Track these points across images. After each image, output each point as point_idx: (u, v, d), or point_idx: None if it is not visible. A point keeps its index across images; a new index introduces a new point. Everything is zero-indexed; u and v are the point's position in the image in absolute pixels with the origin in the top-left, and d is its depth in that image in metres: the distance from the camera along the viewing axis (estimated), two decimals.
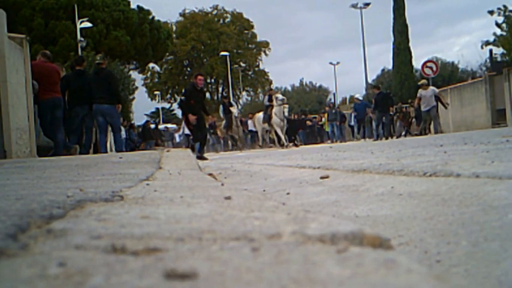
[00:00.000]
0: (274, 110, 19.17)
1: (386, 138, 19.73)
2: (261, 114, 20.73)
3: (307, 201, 2.00)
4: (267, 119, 19.68)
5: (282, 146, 19.94)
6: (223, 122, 22.27)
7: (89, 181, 2.31)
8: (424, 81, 19.12)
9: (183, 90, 12.72)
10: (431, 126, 18.69)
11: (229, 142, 23.71)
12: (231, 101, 22.87)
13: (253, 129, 25.01)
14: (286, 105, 21.59)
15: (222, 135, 23.72)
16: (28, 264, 0.63)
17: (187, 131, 24.08)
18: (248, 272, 0.60)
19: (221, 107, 21.44)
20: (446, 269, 0.94)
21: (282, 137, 19.14)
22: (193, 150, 11.98)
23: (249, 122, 25.66)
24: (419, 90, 18.09)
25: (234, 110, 20.61)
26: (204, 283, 0.57)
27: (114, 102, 9.83)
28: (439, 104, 18.13)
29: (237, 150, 21.18)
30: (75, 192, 1.54)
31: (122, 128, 21.74)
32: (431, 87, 18.51)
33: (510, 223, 1.14)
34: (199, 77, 12.41)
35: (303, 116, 28.95)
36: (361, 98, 23.72)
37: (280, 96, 19.60)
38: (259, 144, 22.56)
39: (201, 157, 11.69)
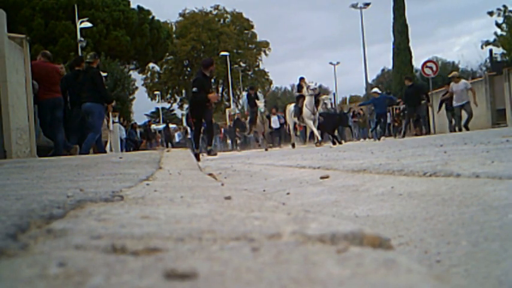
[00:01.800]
0: (305, 101, 16.38)
1: (421, 133, 17.82)
2: (292, 106, 17.97)
3: (307, 201, 2.00)
4: (298, 112, 16.89)
5: (316, 143, 17.23)
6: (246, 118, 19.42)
7: (89, 181, 2.31)
8: (455, 73, 17.98)
9: (192, 81, 11.56)
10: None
11: (255, 139, 20.35)
12: (258, 93, 19.40)
13: (275, 126, 23.38)
14: (325, 96, 19.01)
15: (247, 132, 20.68)
16: (28, 264, 0.63)
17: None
18: (248, 272, 0.60)
19: (245, 99, 19.14)
20: (446, 269, 0.94)
21: (315, 130, 16.36)
22: (197, 148, 11.60)
23: (272, 118, 23.20)
24: (451, 84, 16.80)
25: (261, 103, 17.82)
26: (204, 283, 0.57)
27: (98, 101, 9.75)
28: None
29: (263, 149, 18.36)
30: (75, 192, 1.54)
31: (122, 128, 21.76)
32: (463, 81, 17.03)
33: (510, 223, 1.14)
34: (213, 67, 11.46)
35: (343, 110, 25.62)
36: (379, 92, 21.50)
37: (312, 84, 16.48)
38: (259, 144, 20.01)
39: (210, 152, 11.15)
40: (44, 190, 1.77)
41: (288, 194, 2.29)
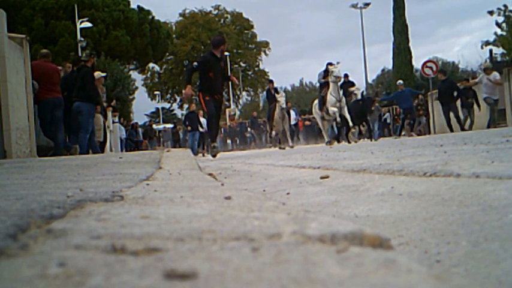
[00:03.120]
0: (330, 89, 14.28)
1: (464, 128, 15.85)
2: (316, 101, 15.85)
3: (307, 201, 2.00)
4: (321, 101, 14.72)
5: (336, 140, 15.32)
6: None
7: (89, 181, 2.31)
8: (488, 64, 16.98)
9: (202, 61, 9.49)
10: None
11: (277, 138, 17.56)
12: (278, 87, 16.90)
13: (292, 122, 21.16)
14: (355, 87, 16.42)
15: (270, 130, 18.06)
16: (28, 264, 0.63)
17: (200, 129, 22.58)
18: (248, 272, 0.60)
19: (264, 93, 17.20)
20: (446, 269, 0.94)
21: (338, 117, 14.13)
22: (202, 147, 10.80)
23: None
24: (482, 75, 15.68)
25: (282, 98, 15.68)
26: (204, 283, 0.57)
27: (87, 100, 9.72)
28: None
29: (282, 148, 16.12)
30: (75, 192, 1.54)
31: (122, 128, 21.76)
32: (495, 73, 15.68)
33: (510, 223, 1.14)
34: (224, 46, 9.56)
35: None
36: (401, 82, 19.27)
37: (336, 70, 14.26)
38: (268, 141, 17.94)
39: (214, 148, 9.88)
40: (44, 190, 1.77)
41: (288, 194, 2.29)
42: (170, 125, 36.46)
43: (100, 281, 0.56)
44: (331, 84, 14.40)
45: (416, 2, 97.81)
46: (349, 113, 14.56)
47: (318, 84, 15.64)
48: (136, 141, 24.70)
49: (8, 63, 7.77)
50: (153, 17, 38.19)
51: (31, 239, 0.80)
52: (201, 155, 19.04)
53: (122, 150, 19.34)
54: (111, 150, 16.18)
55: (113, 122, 18.29)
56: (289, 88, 60.22)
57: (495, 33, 34.33)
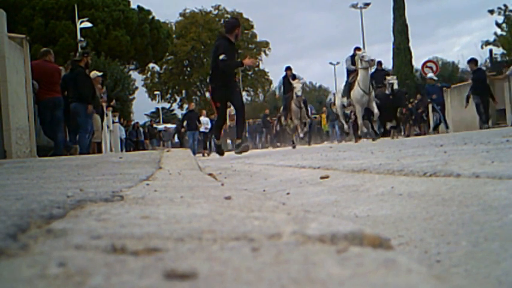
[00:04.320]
0: (358, 78, 12.31)
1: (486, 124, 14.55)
2: (341, 87, 13.86)
3: (307, 201, 2.00)
4: (347, 89, 12.82)
5: (358, 138, 13.40)
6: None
7: (89, 181, 2.31)
8: None
9: (215, 47, 8.54)
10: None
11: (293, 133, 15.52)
12: (296, 74, 14.53)
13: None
14: (391, 77, 14.53)
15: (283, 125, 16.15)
16: (28, 264, 0.63)
17: (202, 129, 22.08)
18: (248, 272, 0.60)
19: (280, 82, 15.05)
20: (446, 269, 0.94)
21: (360, 119, 12.36)
22: (218, 138, 9.39)
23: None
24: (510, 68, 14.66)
25: (298, 85, 13.64)
26: (204, 283, 0.57)
27: (82, 101, 9.72)
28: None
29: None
30: (75, 192, 1.54)
31: (122, 128, 21.76)
32: None
33: (510, 223, 1.14)
34: (239, 30, 8.67)
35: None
36: (436, 78, 17.85)
37: (367, 55, 12.25)
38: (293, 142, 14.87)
39: (240, 146, 8.81)
40: (44, 190, 1.77)
41: (288, 194, 2.29)
42: (171, 125, 36.48)
43: (100, 281, 0.56)
44: (360, 72, 12.30)
45: (416, 2, 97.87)
46: (380, 107, 12.74)
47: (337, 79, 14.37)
48: (136, 141, 24.70)
49: (8, 63, 7.76)
50: (153, 17, 38.18)
51: (31, 239, 0.80)
52: (201, 155, 18.97)
53: (121, 150, 19.33)
54: (111, 150, 16.17)
55: (113, 122, 18.29)
56: None
57: (495, 34, 34.35)
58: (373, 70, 13.58)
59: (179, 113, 57.31)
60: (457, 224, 1.23)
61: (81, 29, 27.22)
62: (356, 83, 12.38)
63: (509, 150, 2.85)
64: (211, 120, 23.18)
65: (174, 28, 55.29)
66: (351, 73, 12.92)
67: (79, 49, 24.61)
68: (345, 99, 13.26)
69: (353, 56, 12.99)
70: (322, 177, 2.63)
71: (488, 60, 32.31)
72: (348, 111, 14.39)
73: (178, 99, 60.22)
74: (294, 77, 14.24)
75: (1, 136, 7.60)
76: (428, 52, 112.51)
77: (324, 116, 28.19)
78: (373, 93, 12.52)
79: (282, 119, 15.53)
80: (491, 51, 31.53)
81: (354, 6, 37.63)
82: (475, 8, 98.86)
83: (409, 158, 2.99)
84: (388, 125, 14.13)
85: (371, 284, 0.56)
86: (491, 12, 34.14)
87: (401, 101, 14.84)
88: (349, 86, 12.81)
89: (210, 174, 3.57)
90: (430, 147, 4.41)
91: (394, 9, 35.73)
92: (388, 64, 36.06)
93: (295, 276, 0.59)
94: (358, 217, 1.55)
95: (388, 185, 1.98)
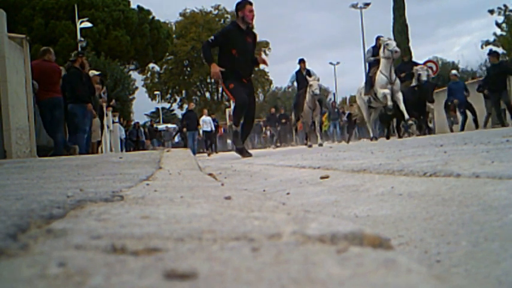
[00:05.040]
0: (380, 67, 11.10)
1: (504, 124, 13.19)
2: (362, 84, 12.50)
3: (307, 201, 2.00)
4: (368, 84, 11.47)
5: (386, 137, 12.24)
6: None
7: (89, 181, 2.31)
8: None
9: (221, 34, 7.37)
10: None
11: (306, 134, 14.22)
12: (311, 70, 13.10)
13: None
14: (420, 66, 12.85)
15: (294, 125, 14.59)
16: (28, 264, 0.63)
17: (206, 127, 21.56)
18: (248, 272, 0.60)
19: (293, 76, 13.34)
20: (446, 269, 0.94)
21: (389, 100, 10.64)
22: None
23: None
24: None
25: (315, 82, 12.34)
26: (204, 283, 0.57)
27: (78, 102, 9.73)
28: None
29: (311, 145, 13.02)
30: (75, 192, 1.54)
31: (122, 128, 21.76)
32: None
33: (510, 223, 1.14)
34: (249, 7, 7.13)
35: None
36: (459, 75, 16.41)
37: (392, 43, 11.00)
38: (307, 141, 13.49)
39: (242, 150, 7.77)
40: (44, 190, 1.77)
41: (288, 194, 2.29)
42: (171, 125, 36.49)
43: (100, 281, 0.56)
44: (382, 61, 11.07)
45: (416, 2, 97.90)
46: (405, 100, 11.23)
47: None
48: (136, 141, 24.71)
49: (8, 63, 7.77)
50: (153, 17, 38.20)
51: (31, 239, 0.80)
52: (203, 155, 18.95)
53: (121, 150, 19.33)
54: (111, 150, 16.17)
55: (113, 122, 18.29)
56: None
57: (494, 34, 34.37)
58: (399, 63, 12.01)
59: (179, 113, 57.39)
60: (457, 224, 1.23)
61: (81, 29, 27.24)
62: (378, 72, 11.02)
63: (509, 150, 2.85)
64: (213, 120, 23.13)
65: (174, 28, 55.32)
66: (372, 66, 11.54)
67: (79, 49, 24.63)
68: (368, 96, 11.74)
69: (375, 47, 11.63)
70: (322, 177, 2.63)
71: (488, 60, 32.27)
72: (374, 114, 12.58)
73: (178, 99, 60.25)
74: (309, 73, 12.94)
75: (1, 136, 7.60)
76: (428, 52, 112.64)
77: (325, 115, 28.18)
78: (398, 83, 11.04)
79: (292, 117, 14.19)
80: (491, 51, 31.51)
81: (354, 6, 37.64)
82: (475, 8, 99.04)
83: (409, 158, 2.99)
84: (409, 122, 12.47)
85: (371, 284, 0.56)
86: (491, 12, 34.17)
87: (428, 94, 12.78)
88: (370, 80, 11.35)
89: (210, 174, 3.57)
90: (430, 147, 4.41)
91: (394, 9, 35.75)
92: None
93: (295, 276, 0.59)
94: (358, 217, 1.55)
95: (388, 185, 1.98)
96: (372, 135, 12.41)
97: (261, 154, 10.35)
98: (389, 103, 10.91)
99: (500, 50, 33.66)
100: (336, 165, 3.06)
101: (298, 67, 13.48)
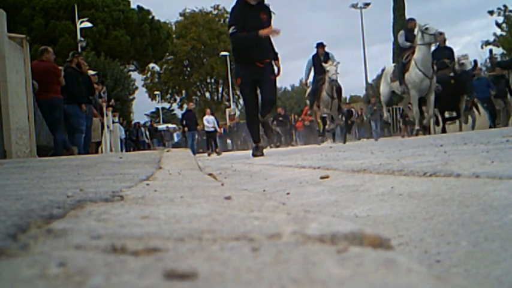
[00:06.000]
0: (415, 55, 9.63)
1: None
2: (391, 66, 11.14)
3: (307, 201, 2.00)
4: (400, 71, 9.93)
5: (419, 130, 10.50)
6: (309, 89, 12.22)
7: (89, 181, 2.31)
8: None
9: (230, 15, 6.68)
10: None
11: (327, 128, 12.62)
12: (329, 52, 11.61)
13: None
14: (463, 55, 11.02)
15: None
16: (28, 264, 0.63)
17: (208, 126, 21.25)
18: (248, 272, 0.60)
19: (310, 61, 11.78)
20: (446, 269, 0.94)
21: (416, 107, 9.39)
22: (258, 140, 6.91)
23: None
24: None
25: (332, 67, 10.97)
26: (204, 283, 0.57)
27: (73, 102, 9.75)
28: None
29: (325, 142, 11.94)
30: (75, 192, 1.54)
31: (122, 128, 21.77)
32: None
33: (510, 223, 1.14)
34: None
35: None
36: (484, 68, 14.56)
37: (432, 26, 9.31)
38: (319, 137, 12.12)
39: (257, 149, 6.95)
40: (44, 190, 1.77)
41: (288, 194, 2.29)
42: (172, 125, 36.52)
43: (100, 281, 0.56)
44: (419, 49, 9.37)
45: (416, 2, 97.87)
46: (439, 94, 9.74)
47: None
48: (136, 141, 24.72)
49: (8, 63, 7.77)
50: (153, 17, 38.20)
51: (31, 239, 0.80)
52: (203, 155, 18.91)
53: (121, 150, 19.34)
54: (111, 150, 16.18)
55: (113, 122, 18.29)
56: (289, 88, 60.20)
57: (494, 34, 34.38)
58: (433, 48, 10.13)
59: (179, 113, 57.42)
60: (457, 224, 1.23)
61: (81, 29, 27.25)
62: (412, 63, 9.42)
63: (509, 150, 2.85)
64: (216, 119, 23.06)
65: (174, 28, 55.31)
66: (405, 51, 10.02)
67: (79, 49, 24.63)
68: (396, 83, 10.27)
69: (407, 30, 10.22)
70: (322, 177, 2.63)
71: (488, 60, 32.27)
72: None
73: (178, 99, 60.25)
74: (327, 57, 11.45)
75: (1, 136, 7.60)
76: None
77: None
78: (435, 78, 9.51)
79: (308, 106, 12.66)
80: (491, 51, 31.50)
81: (354, 6, 37.64)
82: (475, 8, 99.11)
83: (409, 158, 2.99)
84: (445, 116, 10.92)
85: (371, 284, 0.56)
86: (491, 13, 34.18)
87: (466, 86, 11.06)
88: (402, 67, 9.81)
89: (210, 174, 3.57)
90: (430, 147, 4.41)
91: (394, 9, 35.75)
92: (388, 64, 36.02)
93: (295, 276, 0.59)
94: (358, 217, 1.55)
95: (388, 185, 1.98)
96: (416, 127, 10.63)
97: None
98: (415, 109, 9.35)
99: (500, 50, 33.68)
100: (336, 165, 3.06)
101: (315, 52, 11.92)
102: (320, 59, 11.35)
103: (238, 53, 6.56)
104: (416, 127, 10.53)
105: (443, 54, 11.01)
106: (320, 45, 11.72)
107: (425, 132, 10.87)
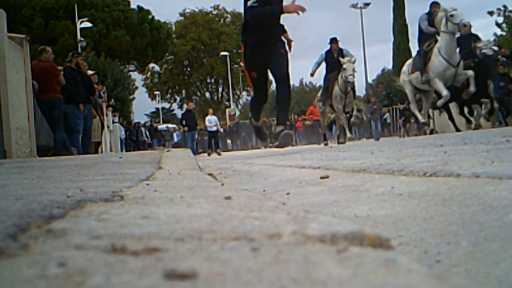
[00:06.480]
0: (438, 44, 8.79)
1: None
2: (411, 60, 10.36)
3: (307, 201, 2.00)
4: (422, 62, 9.04)
5: (433, 130, 10.28)
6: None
7: (89, 181, 2.31)
8: None
9: None
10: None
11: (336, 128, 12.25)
12: (342, 47, 10.93)
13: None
14: (489, 42, 10.09)
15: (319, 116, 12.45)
16: (28, 264, 0.63)
17: (210, 126, 21.25)
18: (248, 272, 0.60)
19: (323, 56, 10.95)
20: (446, 269, 0.94)
21: (446, 92, 8.46)
22: (257, 120, 6.91)
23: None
24: None
25: (350, 65, 10.13)
26: (204, 283, 0.57)
27: (71, 102, 9.75)
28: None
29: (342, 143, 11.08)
30: (75, 192, 1.54)
31: (122, 128, 21.77)
32: None
33: (510, 223, 1.14)
34: None
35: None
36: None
37: (458, 14, 8.51)
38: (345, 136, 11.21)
39: (279, 136, 6.45)
40: (44, 190, 1.77)
41: (288, 194, 2.29)
42: (172, 125, 36.53)
43: (100, 281, 0.56)
44: (443, 37, 8.53)
45: (416, 2, 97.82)
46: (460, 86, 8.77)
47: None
48: (136, 141, 24.72)
49: (8, 63, 7.77)
50: (153, 17, 38.20)
51: (31, 239, 0.80)
52: (206, 154, 18.88)
53: (121, 151, 19.34)
54: (111, 150, 16.17)
55: (113, 122, 18.29)
56: None
57: (494, 34, 34.39)
58: (457, 35, 9.21)
59: (179, 113, 57.39)
60: (457, 224, 1.23)
61: (81, 29, 27.24)
62: (435, 51, 8.59)
63: (509, 150, 2.85)
64: (219, 119, 23.05)
65: (174, 28, 55.30)
66: (427, 39, 9.04)
67: (79, 49, 24.62)
68: (415, 74, 9.34)
69: (429, 14, 9.25)
70: (322, 177, 2.63)
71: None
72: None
73: (178, 99, 60.25)
74: (342, 53, 10.68)
75: (1, 136, 7.60)
76: None
77: None
78: (461, 66, 8.64)
79: (319, 104, 11.89)
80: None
81: (354, 6, 37.61)
82: (474, 8, 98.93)
83: (409, 158, 2.99)
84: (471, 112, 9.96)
85: (371, 284, 0.56)
86: (491, 13, 34.19)
87: (489, 70, 9.78)
88: (424, 56, 8.86)
89: (210, 174, 3.57)
90: (430, 147, 4.41)
91: (394, 9, 35.76)
92: (388, 64, 36.01)
93: (295, 276, 0.59)
94: (358, 217, 1.55)
95: (388, 185, 1.98)
96: (422, 120, 9.96)
97: (261, 154, 10.34)
98: (445, 92, 8.55)
99: None
100: (336, 165, 3.06)
101: (328, 47, 11.17)
102: (334, 55, 10.62)
103: (250, 30, 6.04)
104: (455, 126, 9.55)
105: (466, 41, 9.87)
106: (334, 41, 10.93)
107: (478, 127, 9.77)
